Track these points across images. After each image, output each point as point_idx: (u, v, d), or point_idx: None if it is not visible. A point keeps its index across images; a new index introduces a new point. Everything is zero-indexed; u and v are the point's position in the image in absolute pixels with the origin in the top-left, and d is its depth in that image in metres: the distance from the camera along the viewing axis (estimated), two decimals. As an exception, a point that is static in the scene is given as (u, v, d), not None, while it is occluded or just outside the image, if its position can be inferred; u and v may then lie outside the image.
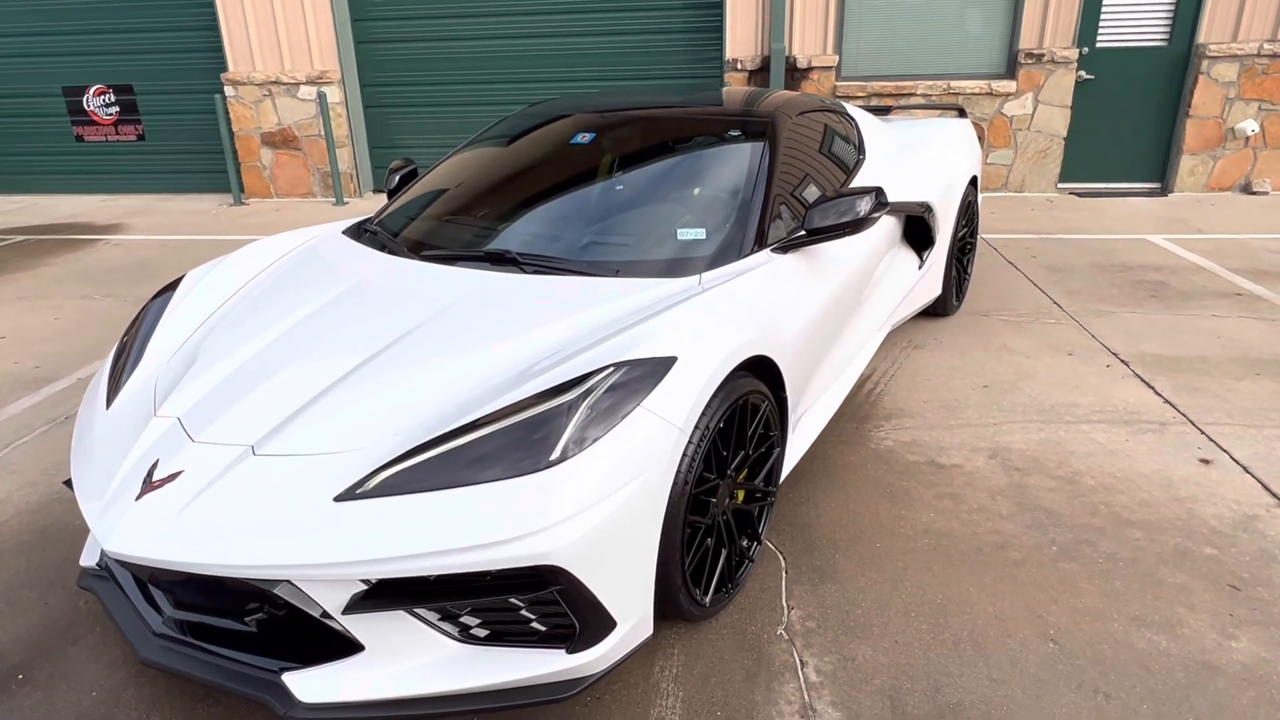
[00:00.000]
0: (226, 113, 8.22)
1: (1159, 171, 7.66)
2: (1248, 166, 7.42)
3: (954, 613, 2.25)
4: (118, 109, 8.78)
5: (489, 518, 1.67)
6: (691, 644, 2.16)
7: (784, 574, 2.43)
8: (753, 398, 2.17)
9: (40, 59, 8.70)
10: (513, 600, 1.73)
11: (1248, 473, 2.89)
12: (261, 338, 2.30)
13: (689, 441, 1.91)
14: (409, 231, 2.89)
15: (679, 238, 2.55)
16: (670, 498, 1.87)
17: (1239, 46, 7.07)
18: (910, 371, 3.81)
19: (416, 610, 1.72)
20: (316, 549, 1.67)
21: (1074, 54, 7.21)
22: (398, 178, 3.51)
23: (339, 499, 1.74)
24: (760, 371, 2.25)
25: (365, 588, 1.70)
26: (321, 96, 7.93)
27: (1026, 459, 3.02)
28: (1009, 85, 7.35)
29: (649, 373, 1.88)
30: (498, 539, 1.65)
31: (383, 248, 2.77)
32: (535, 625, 1.79)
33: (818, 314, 2.63)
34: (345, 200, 8.33)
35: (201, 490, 1.81)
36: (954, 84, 7.45)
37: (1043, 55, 7.25)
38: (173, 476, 1.87)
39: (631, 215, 2.74)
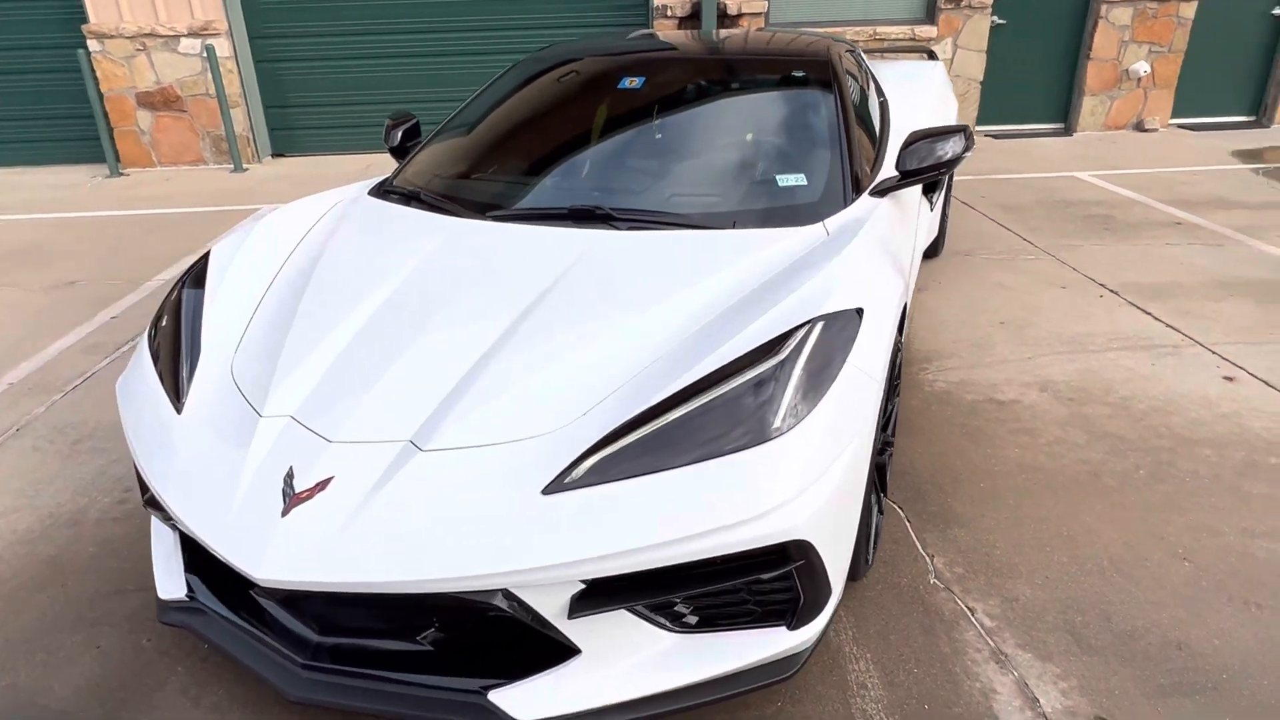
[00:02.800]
0: (93, 70, 7.21)
1: (1063, 112, 8.13)
2: (1140, 105, 8.00)
3: (1084, 543, 2.30)
4: (-51, 69, 7.53)
5: (724, 497, 1.52)
6: (852, 604, 2.10)
7: (908, 523, 2.40)
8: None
9: None
10: (741, 582, 1.60)
11: (1270, 386, 3.12)
12: (352, 319, 2.00)
13: (882, 396, 1.82)
14: (464, 192, 2.59)
15: (780, 184, 2.41)
16: (871, 455, 1.79)
17: (1132, -9, 7.54)
18: (925, 313, 3.87)
19: (637, 605, 1.56)
20: (534, 550, 1.47)
21: (988, -1, 7.47)
22: (400, 133, 3.16)
23: (547, 491, 1.53)
24: None
25: (584, 586, 1.52)
26: (209, 50, 7.08)
27: (1074, 389, 3.13)
28: (930, 30, 7.54)
29: (846, 327, 1.77)
30: (740, 518, 1.50)
31: (440, 210, 2.48)
32: (752, 605, 1.67)
33: (909, 260, 2.58)
34: (245, 166, 7.55)
35: (367, 497, 1.56)
36: (879, 29, 7.56)
37: (960, 0, 7.47)
38: (322, 485, 1.59)
39: (713, 163, 2.57)
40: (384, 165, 7.46)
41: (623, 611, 1.56)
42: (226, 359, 1.99)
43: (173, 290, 2.30)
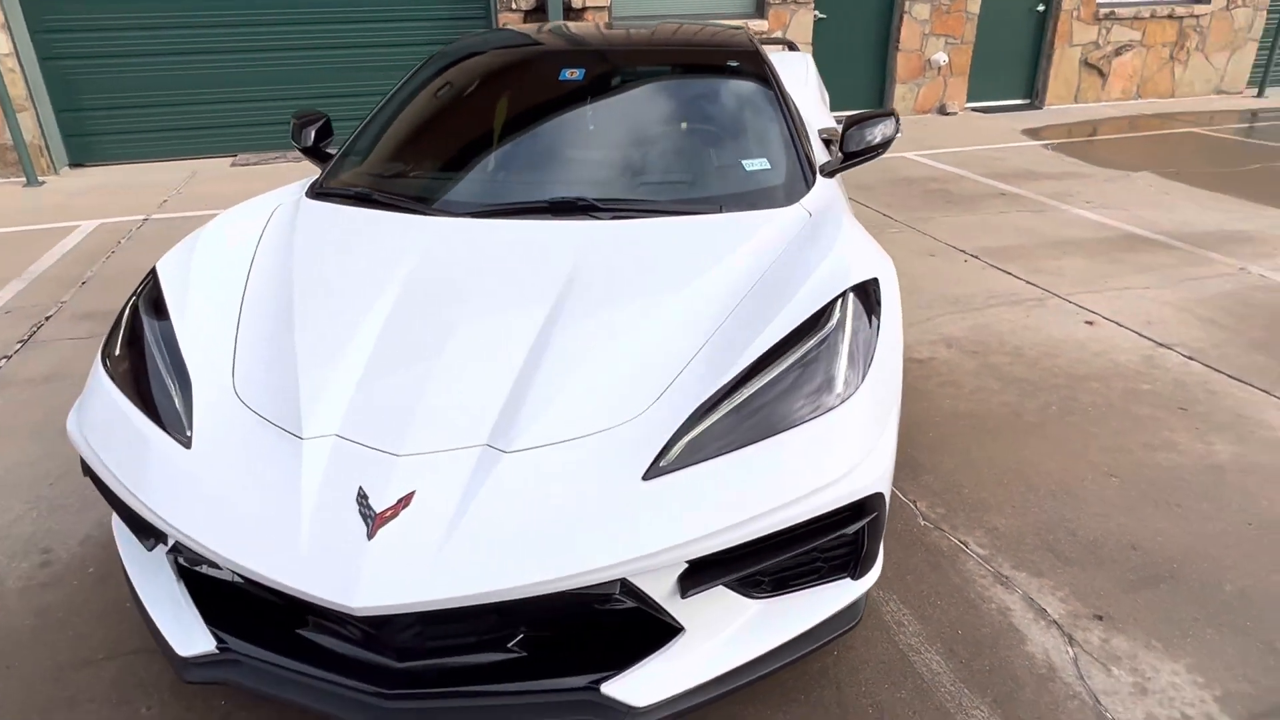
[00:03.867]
0: None
1: (878, 99, 8.92)
2: (941, 91, 8.95)
3: (1031, 474, 2.61)
4: None
5: (808, 463, 1.60)
6: (862, 553, 2.26)
7: (883, 475, 2.61)
8: None
9: None
10: (827, 540, 1.69)
11: (1121, 326, 3.67)
12: (366, 327, 1.87)
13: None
14: (427, 190, 2.48)
15: (747, 169, 2.52)
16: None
17: (929, -11, 8.42)
18: (825, 287, 4.16)
19: (735, 577, 1.61)
20: (648, 536, 1.48)
21: (811, -5, 8.04)
22: (313, 132, 2.95)
23: (647, 477, 1.54)
24: None
25: (687, 566, 1.55)
26: (-16, 46, 6.12)
27: (974, 343, 3.52)
28: (762, 24, 7.99)
29: (872, 294, 1.91)
30: (826, 481, 1.59)
31: (406, 210, 2.35)
32: (820, 563, 1.77)
33: None
34: (41, 179, 6.60)
35: (460, 507, 1.49)
36: (713, 23, 7.89)
37: (786, -4, 7.99)
38: (405, 501, 1.50)
39: (676, 152, 2.62)
40: (212, 172, 6.82)
41: (720, 586, 1.61)
42: (224, 383, 1.80)
43: (123, 315, 2.03)
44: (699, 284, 1.96)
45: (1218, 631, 1.98)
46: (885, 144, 2.70)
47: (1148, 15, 9.37)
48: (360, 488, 1.53)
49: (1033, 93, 9.50)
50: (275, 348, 1.85)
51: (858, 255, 2.03)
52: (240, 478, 1.60)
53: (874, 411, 1.72)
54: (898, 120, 2.71)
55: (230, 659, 1.64)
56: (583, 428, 1.62)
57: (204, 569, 1.67)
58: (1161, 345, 3.47)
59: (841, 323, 1.81)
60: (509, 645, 1.59)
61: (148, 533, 1.74)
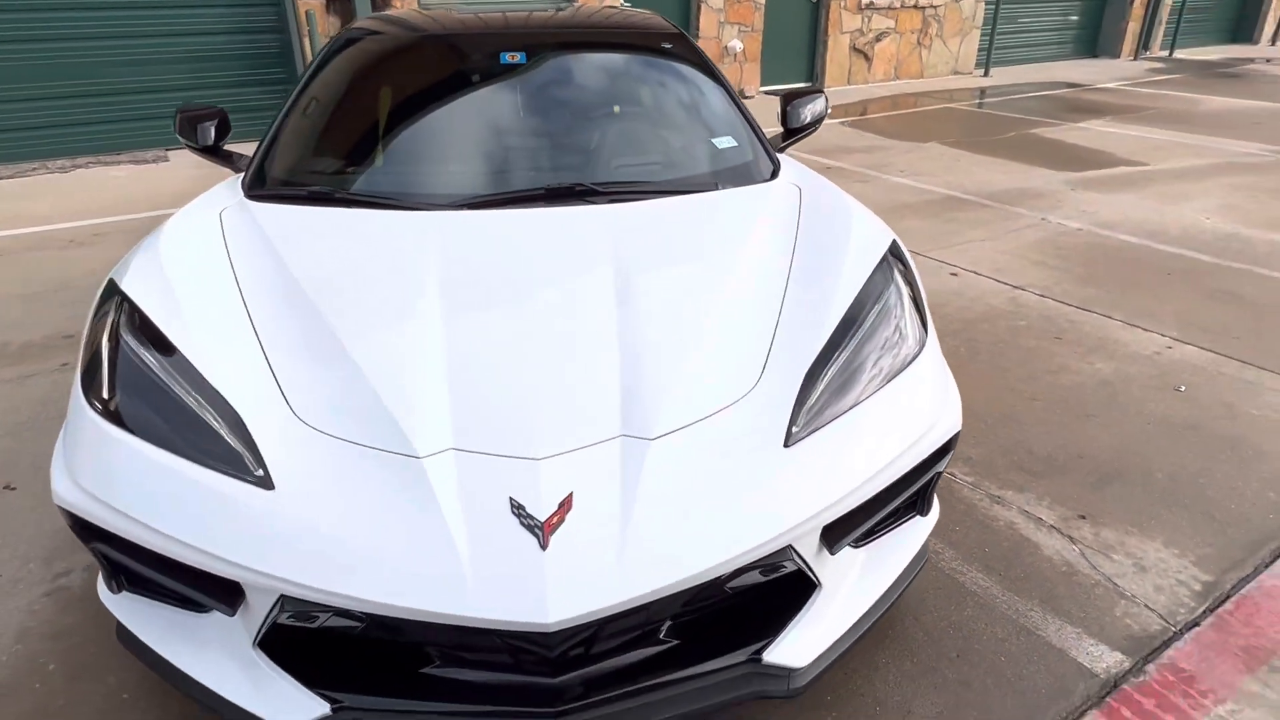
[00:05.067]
0: None
1: (685, 85, 9.29)
2: (739, 76, 9.52)
3: (976, 408, 2.94)
4: None
5: (914, 410, 1.72)
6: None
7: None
8: None
9: None
10: (925, 479, 1.81)
11: (980, 275, 4.20)
12: (425, 334, 1.69)
13: None
14: (401, 184, 2.27)
15: (719, 147, 2.57)
16: None
17: (722, -20, 8.91)
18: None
19: (863, 528, 1.69)
20: (805, 500, 1.52)
21: (616, -16, 8.20)
22: (213, 129, 2.60)
23: (788, 445, 1.57)
24: None
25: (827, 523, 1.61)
26: None
27: (873, 301, 3.86)
28: (573, 12, 8.02)
29: (899, 253, 2.06)
30: (930, 423, 1.73)
31: (391, 206, 2.15)
32: (899, 505, 1.90)
33: None
34: None
35: (625, 501, 1.42)
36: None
37: (594, -16, 8.07)
38: (566, 505, 1.41)
39: (646, 133, 2.60)
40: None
41: (853, 537, 1.68)
42: (280, 411, 1.56)
43: (100, 348, 1.68)
44: (743, 258, 2.00)
45: (1170, 511, 2.39)
46: (818, 121, 2.89)
47: (899, 5, 10.60)
48: (511, 498, 1.41)
49: (814, 76, 10.39)
50: (327, 365, 1.64)
51: (874, 220, 2.18)
52: (354, 512, 1.41)
53: (938, 356, 1.87)
54: (827, 99, 2.91)
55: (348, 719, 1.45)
56: (708, 406, 1.61)
57: (285, 622, 1.44)
58: (1017, 288, 4.03)
59: (894, 281, 1.94)
60: (660, 636, 1.56)
61: (218, 597, 1.48)
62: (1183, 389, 3.06)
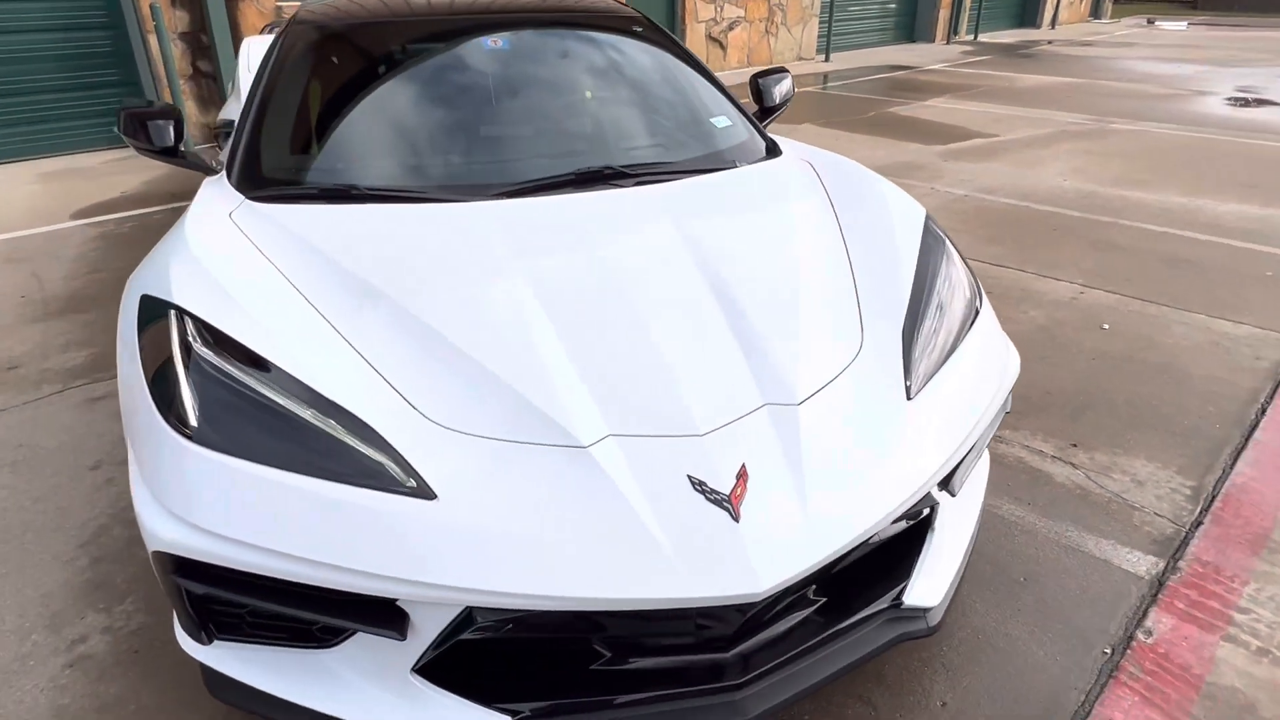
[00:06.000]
0: None
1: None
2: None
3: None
4: None
5: (993, 359, 1.87)
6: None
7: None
8: None
9: None
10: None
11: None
12: (531, 325, 1.62)
13: None
14: (428, 177, 2.17)
15: (718, 126, 2.60)
16: None
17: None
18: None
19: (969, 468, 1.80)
20: (938, 447, 1.61)
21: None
22: (171, 130, 2.35)
23: (910, 399, 1.65)
24: None
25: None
26: None
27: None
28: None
29: (933, 221, 2.20)
30: (1006, 365, 1.89)
31: (426, 199, 2.04)
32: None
33: None
34: None
35: (794, 465, 1.45)
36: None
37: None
38: (743, 476, 1.41)
39: (649, 115, 2.58)
40: None
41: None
42: (409, 418, 1.45)
43: (175, 372, 1.48)
44: (798, 228, 2.07)
45: (1140, 432, 2.70)
46: (786, 100, 3.00)
47: (747, -5, 11.04)
48: (689, 476, 1.40)
49: (675, 65, 10.61)
50: (444, 365, 1.55)
51: (898, 189, 2.31)
52: (529, 510, 1.35)
53: (990, 311, 2.03)
54: (792, 78, 3.03)
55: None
56: (830, 368, 1.66)
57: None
58: (936, 250, 4.35)
59: (943, 239, 2.08)
60: (810, 595, 1.61)
61: (380, 623, 1.37)
62: (1106, 327, 3.45)
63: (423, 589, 1.30)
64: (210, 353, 1.51)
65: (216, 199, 2.06)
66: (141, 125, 2.32)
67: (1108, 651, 1.85)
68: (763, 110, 2.96)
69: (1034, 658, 1.84)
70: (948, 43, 15.15)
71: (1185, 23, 19.96)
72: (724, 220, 2.08)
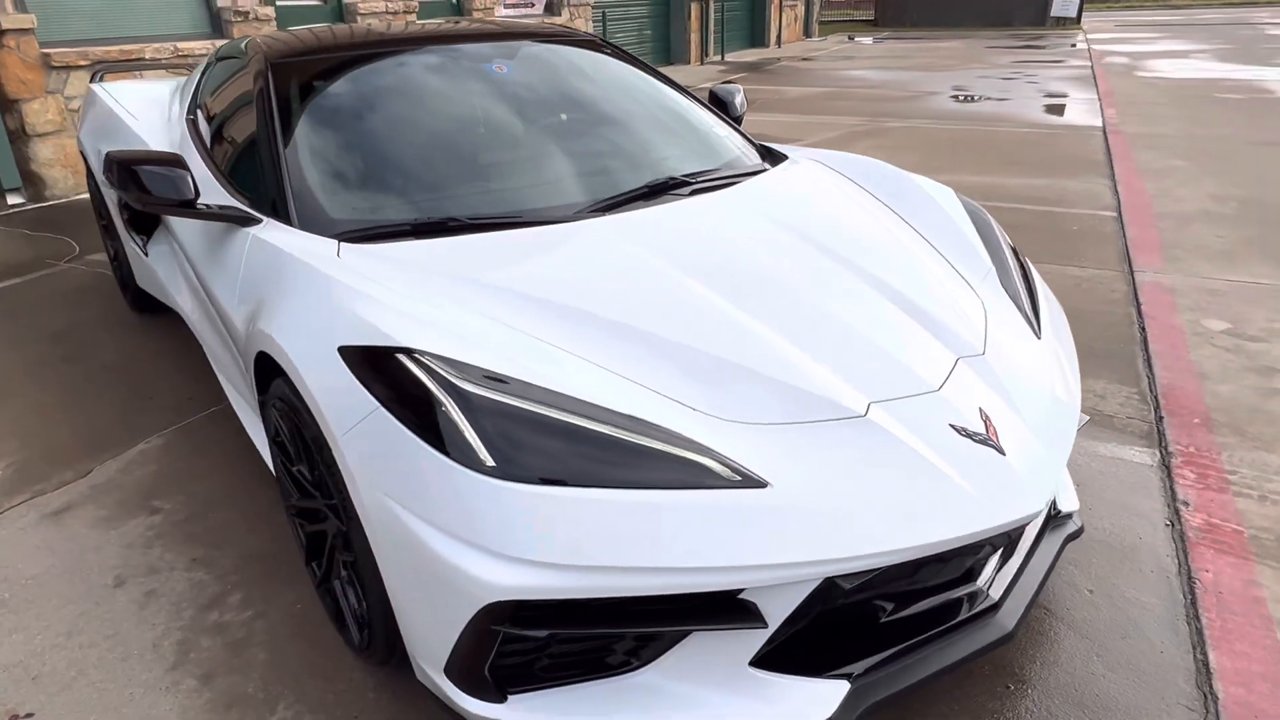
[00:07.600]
0: None
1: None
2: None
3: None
4: None
5: (1054, 301, 2.23)
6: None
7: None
8: None
9: None
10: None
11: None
12: (734, 318, 1.71)
13: None
14: (502, 204, 2.13)
15: (722, 135, 2.76)
16: None
17: (375, 6, 8.62)
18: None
19: None
20: (1073, 378, 1.92)
21: (270, 11, 7.48)
22: (191, 181, 2.08)
23: (1040, 339, 1.95)
24: None
25: None
26: None
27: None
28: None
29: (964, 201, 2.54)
30: (1060, 310, 2.25)
31: (523, 225, 2.03)
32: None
33: None
34: None
35: (1010, 404, 1.69)
36: (181, 45, 6.78)
37: (247, 13, 7.28)
38: (986, 417, 1.61)
39: (667, 130, 2.69)
40: None
41: None
42: (691, 416, 1.47)
43: (416, 414, 1.38)
44: (869, 215, 2.31)
45: (1080, 360, 3.25)
46: (743, 113, 3.27)
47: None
48: (951, 424, 1.57)
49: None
50: (685, 364, 1.60)
51: (920, 177, 2.62)
52: (847, 478, 1.45)
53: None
54: (743, 91, 3.30)
55: (867, 684, 1.49)
56: (979, 322, 1.91)
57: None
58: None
59: (981, 209, 2.41)
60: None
61: (734, 619, 1.38)
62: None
63: (780, 571, 1.34)
64: (475, 387, 1.42)
65: (300, 251, 1.87)
66: (161, 177, 2.03)
67: (1169, 523, 2.27)
68: (736, 120, 3.18)
69: (1128, 537, 2.20)
70: (702, 63, 16.44)
71: (873, 38, 23.29)
72: (807, 212, 2.27)
